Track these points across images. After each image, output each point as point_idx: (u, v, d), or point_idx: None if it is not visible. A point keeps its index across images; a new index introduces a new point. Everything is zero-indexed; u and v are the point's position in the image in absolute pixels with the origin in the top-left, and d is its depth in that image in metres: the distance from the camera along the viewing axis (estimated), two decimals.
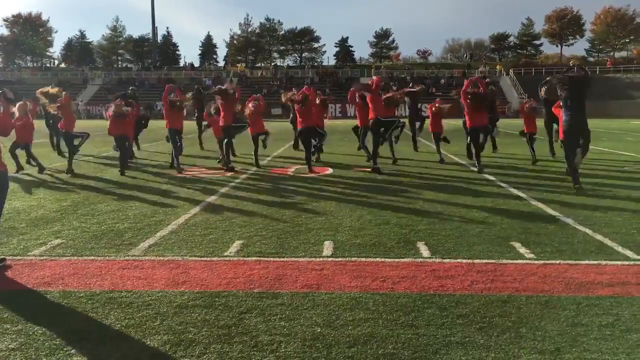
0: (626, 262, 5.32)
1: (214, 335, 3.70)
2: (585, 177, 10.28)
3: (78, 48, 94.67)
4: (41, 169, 12.13)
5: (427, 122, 15.46)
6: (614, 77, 65.23)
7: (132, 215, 7.58)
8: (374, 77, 12.07)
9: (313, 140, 12.41)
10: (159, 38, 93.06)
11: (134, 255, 5.63)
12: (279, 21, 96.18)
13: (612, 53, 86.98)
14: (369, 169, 11.93)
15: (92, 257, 5.55)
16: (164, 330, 3.79)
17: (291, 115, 16.37)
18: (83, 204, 8.42)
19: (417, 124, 16.80)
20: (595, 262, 5.33)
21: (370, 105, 11.57)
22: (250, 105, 13.10)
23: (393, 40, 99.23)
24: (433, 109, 14.09)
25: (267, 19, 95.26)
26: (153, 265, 5.29)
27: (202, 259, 5.48)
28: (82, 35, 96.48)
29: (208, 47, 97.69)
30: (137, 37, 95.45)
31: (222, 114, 12.13)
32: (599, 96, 48.57)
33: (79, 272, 5.08)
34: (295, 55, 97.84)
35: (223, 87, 12.41)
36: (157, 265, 5.29)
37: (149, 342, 3.60)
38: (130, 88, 17.46)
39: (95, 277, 4.93)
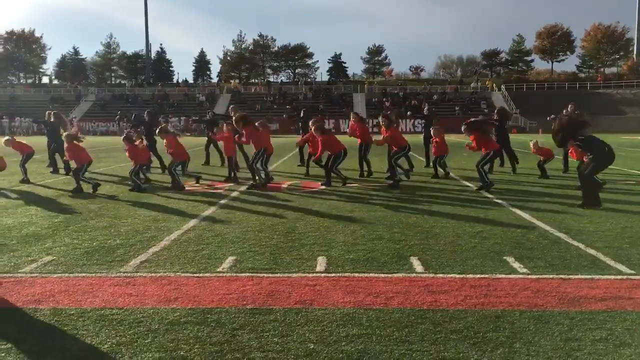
0: (619, 277, 5.33)
1: (207, 352, 3.66)
2: (578, 191, 10.31)
3: (71, 64, 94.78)
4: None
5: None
6: (605, 93, 65.96)
7: (124, 231, 7.54)
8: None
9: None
10: (153, 54, 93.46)
11: (126, 271, 5.59)
12: (272, 38, 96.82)
13: (602, 69, 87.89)
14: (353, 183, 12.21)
15: (84, 274, 5.50)
16: (156, 347, 3.75)
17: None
18: (75, 220, 8.37)
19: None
20: (588, 276, 5.33)
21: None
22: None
23: (386, 57, 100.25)
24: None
25: (261, 36, 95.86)
26: (145, 281, 5.25)
27: (195, 275, 5.45)
28: (76, 52, 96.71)
29: (201, 64, 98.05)
30: (130, 54, 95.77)
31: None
32: (590, 112, 48.99)
33: (70, 289, 5.03)
34: (289, 71, 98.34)
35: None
36: (149, 281, 5.25)
37: None
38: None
39: (86, 294, 4.89)
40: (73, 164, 11.91)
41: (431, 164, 15.04)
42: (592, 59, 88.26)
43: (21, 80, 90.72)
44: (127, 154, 11.94)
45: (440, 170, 13.83)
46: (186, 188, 11.86)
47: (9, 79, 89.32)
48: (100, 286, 5.11)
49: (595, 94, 65.14)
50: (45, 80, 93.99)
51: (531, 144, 14.37)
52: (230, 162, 13.66)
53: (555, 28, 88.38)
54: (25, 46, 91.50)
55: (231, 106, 14.91)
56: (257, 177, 12.08)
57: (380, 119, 12.83)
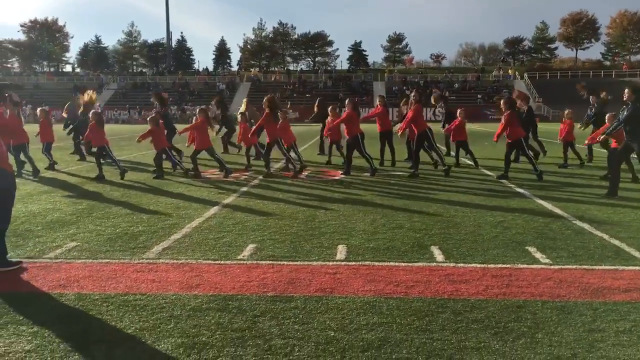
0: None
1: (228, 339, 3.70)
2: (602, 181, 10.17)
3: (94, 53, 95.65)
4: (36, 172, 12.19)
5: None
6: (630, 81, 64.58)
7: (147, 218, 7.62)
8: None
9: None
10: (174, 43, 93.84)
11: (148, 258, 5.65)
12: (292, 26, 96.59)
13: (627, 57, 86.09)
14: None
15: (107, 260, 5.58)
16: (178, 333, 3.79)
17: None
18: (98, 207, 8.48)
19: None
20: (612, 267, 5.27)
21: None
22: None
23: (406, 45, 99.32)
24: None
25: (280, 24, 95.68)
26: (167, 268, 5.31)
27: (216, 262, 5.49)
28: (98, 40, 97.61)
29: (222, 52, 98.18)
30: (152, 42, 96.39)
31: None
32: (616, 100, 48.15)
33: (94, 274, 5.11)
34: (309, 59, 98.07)
35: None
36: (171, 268, 5.30)
37: (162, 345, 3.61)
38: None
39: (110, 279, 4.96)
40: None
41: (452, 152, 14.94)
42: (617, 47, 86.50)
43: (44, 69, 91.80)
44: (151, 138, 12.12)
45: (462, 159, 13.72)
46: (207, 176, 11.93)
47: (32, 67, 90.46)
48: (124, 272, 5.18)
49: (620, 82, 63.85)
50: (67, 68, 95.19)
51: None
52: (248, 151, 13.92)
53: (580, 15, 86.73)
54: (48, 35, 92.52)
55: (239, 116, 14.90)
56: (269, 168, 12.10)
57: (413, 93, 12.51)
